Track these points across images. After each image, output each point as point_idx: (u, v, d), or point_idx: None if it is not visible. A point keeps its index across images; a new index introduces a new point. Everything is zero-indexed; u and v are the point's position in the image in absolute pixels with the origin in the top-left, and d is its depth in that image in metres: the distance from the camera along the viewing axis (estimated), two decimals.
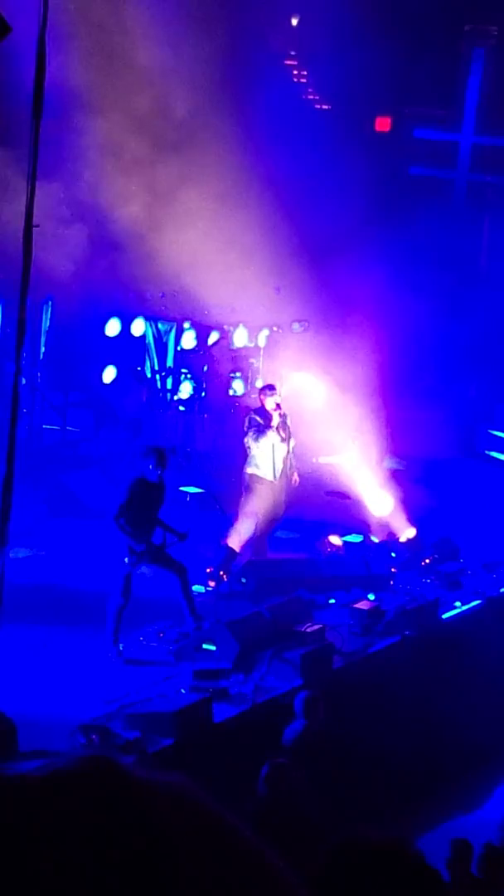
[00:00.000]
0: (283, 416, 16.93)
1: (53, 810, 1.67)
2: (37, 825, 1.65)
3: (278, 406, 16.97)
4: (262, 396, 17.25)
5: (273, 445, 16.80)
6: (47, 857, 1.62)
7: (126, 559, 13.76)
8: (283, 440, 16.87)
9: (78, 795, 1.69)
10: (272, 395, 17.06)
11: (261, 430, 16.82)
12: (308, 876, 2.13)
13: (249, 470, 16.98)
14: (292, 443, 17.19)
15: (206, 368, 21.64)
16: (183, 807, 1.73)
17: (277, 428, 16.83)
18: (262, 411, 17.00)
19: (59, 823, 1.66)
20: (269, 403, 16.96)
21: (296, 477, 17.24)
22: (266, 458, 16.84)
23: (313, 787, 10.63)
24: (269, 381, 18.26)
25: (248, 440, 16.95)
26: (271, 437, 16.77)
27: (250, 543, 16.83)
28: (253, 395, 21.24)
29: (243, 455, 17.23)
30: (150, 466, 13.99)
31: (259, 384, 21.60)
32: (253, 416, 17.10)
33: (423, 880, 2.28)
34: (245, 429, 17.11)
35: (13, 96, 12.07)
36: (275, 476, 16.88)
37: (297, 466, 17.43)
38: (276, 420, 16.82)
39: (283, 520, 17.48)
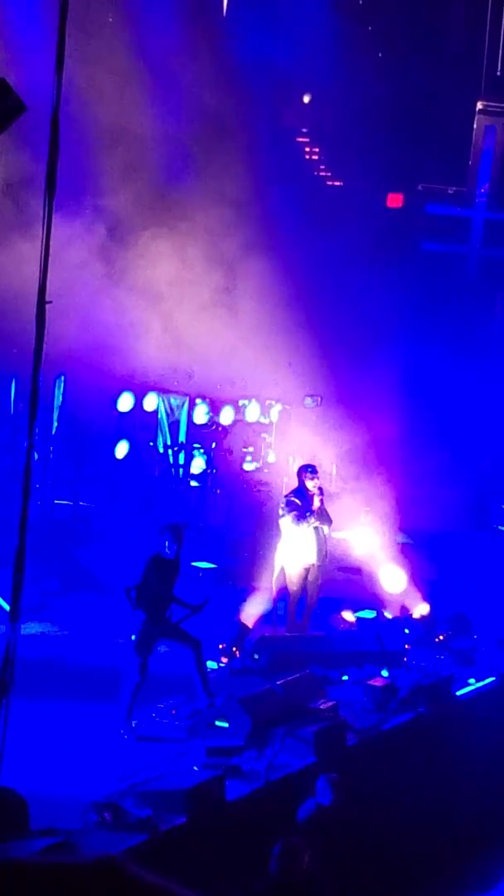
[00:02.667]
0: (322, 500, 16.42)
1: None
2: None
3: (320, 490, 16.46)
4: (301, 477, 16.54)
5: (313, 530, 16.33)
6: None
7: (133, 636, 13.70)
8: (322, 522, 16.40)
9: (79, 890, 1.68)
10: (314, 477, 16.42)
11: (301, 515, 16.22)
12: None
13: (284, 555, 16.48)
14: (330, 528, 16.75)
15: (214, 445, 21.63)
16: None
17: (317, 511, 16.34)
18: (302, 493, 16.39)
19: None
20: (310, 486, 16.34)
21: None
22: (306, 542, 16.36)
23: (326, 866, 10.51)
24: (309, 462, 17.16)
25: (286, 523, 16.37)
26: (311, 522, 16.33)
27: (295, 622, 16.66)
28: (266, 471, 21.21)
29: (260, 532, 17.02)
30: (167, 543, 13.96)
31: (272, 459, 21.57)
32: (291, 498, 16.44)
33: None
34: (281, 511, 16.48)
35: (36, 173, 12.11)
36: (318, 557, 16.47)
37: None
38: (316, 503, 16.30)
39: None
